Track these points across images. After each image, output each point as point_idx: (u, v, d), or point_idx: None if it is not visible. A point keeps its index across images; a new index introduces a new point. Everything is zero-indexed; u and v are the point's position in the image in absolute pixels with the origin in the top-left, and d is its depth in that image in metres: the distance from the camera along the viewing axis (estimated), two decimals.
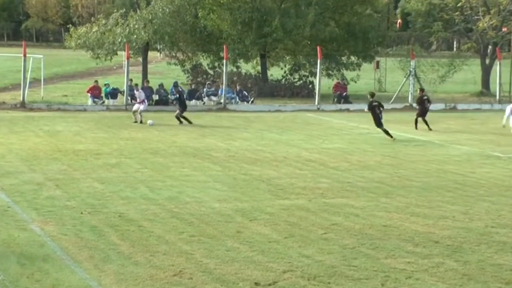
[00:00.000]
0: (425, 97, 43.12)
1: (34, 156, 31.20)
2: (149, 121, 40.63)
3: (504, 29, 65.31)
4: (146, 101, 43.06)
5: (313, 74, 58.45)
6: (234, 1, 60.03)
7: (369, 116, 38.45)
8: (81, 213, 21.91)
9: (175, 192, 24.69)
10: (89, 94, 52.30)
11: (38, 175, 27.47)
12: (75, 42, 61.07)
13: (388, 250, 19.09)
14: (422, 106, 42.87)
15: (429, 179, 28.36)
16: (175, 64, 63.05)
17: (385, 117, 43.16)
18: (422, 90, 44.45)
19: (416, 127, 42.26)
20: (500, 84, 55.96)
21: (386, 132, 37.69)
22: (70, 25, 69.61)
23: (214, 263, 17.69)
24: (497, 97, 56.13)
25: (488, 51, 66.27)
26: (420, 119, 42.43)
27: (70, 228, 20.44)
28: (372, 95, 38.60)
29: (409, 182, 27.75)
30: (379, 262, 18.11)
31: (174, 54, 62.83)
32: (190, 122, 41.53)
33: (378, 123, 37.95)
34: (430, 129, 41.65)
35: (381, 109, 37.90)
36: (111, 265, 17.48)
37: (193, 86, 57.82)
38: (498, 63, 56.89)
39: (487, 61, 65.74)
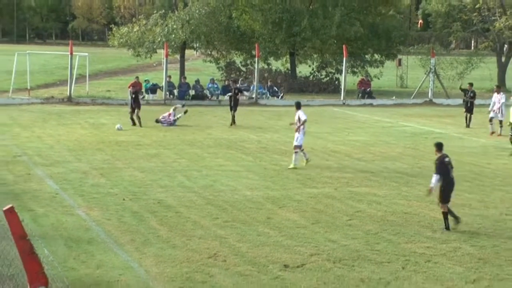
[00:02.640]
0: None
1: (80, 146, 31.40)
2: (117, 126, 36.59)
3: None
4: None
5: (339, 71, 58.37)
6: (266, 2, 60.00)
7: (392, 110, 38.12)
8: (123, 199, 22.05)
9: (210, 181, 24.79)
10: (130, 90, 52.43)
11: (84, 164, 27.65)
12: (117, 41, 61.35)
13: (408, 235, 19.09)
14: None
15: None
16: (210, 61, 63.14)
17: (406, 111, 42.92)
18: (471, 84, 41.82)
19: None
20: None
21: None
22: (113, 25, 70.03)
23: (246, 247, 17.77)
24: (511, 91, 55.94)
25: (504, 49, 65.88)
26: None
27: (113, 214, 20.59)
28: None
29: (429, 173, 27.58)
30: (400, 246, 18.12)
31: (209, 52, 62.90)
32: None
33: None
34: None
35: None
36: (150, 248, 17.59)
37: (227, 82, 57.87)
38: None
39: (503, 59, 65.39)
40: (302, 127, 27.91)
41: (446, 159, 20.03)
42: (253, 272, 16.06)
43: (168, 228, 19.20)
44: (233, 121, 39.12)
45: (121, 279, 15.46)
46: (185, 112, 39.17)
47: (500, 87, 38.66)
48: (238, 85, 45.02)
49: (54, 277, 8.52)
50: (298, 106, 28.08)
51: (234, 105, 39.23)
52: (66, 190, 23.36)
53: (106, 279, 15.45)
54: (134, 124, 37.63)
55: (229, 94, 41.08)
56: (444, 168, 19.84)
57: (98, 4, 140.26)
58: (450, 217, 19.46)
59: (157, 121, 38.43)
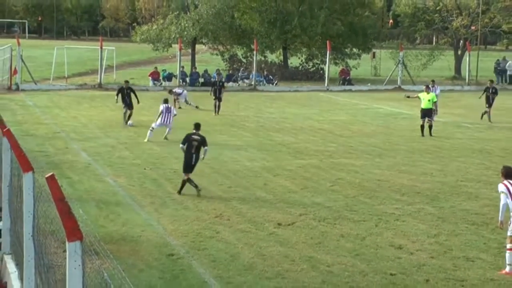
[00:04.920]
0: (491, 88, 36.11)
1: (108, 125, 31.41)
2: (129, 122, 31.77)
3: (473, 28, 64.74)
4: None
5: (324, 62, 58.07)
6: (263, 5, 59.93)
7: (367, 94, 37.86)
8: (144, 169, 22.10)
9: (216, 153, 24.81)
10: (150, 78, 52.36)
11: (112, 140, 27.68)
12: (139, 37, 61.20)
13: (380, 198, 19.15)
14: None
15: (413, 144, 28.30)
16: (217, 54, 62.91)
17: (379, 95, 42.87)
18: (491, 81, 38.99)
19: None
20: (469, 70, 55.62)
21: None
22: (136, 24, 69.66)
23: (246, 208, 17.84)
24: (467, 80, 55.79)
25: (460, 44, 65.67)
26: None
27: (136, 181, 20.64)
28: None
29: (398, 146, 27.70)
30: (373, 208, 18.19)
31: (215, 47, 62.60)
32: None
33: None
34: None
35: None
36: (167, 209, 17.67)
37: (230, 72, 57.78)
38: (467, 54, 56.53)
39: (459, 52, 65.23)
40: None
41: None
42: (252, 229, 16.12)
43: (182, 193, 19.22)
44: (218, 110, 36.02)
45: (143, 235, 15.52)
46: (196, 107, 38.12)
47: (434, 81, 37.09)
48: (222, 78, 42.51)
49: (88, 233, 8.55)
50: None
51: (219, 95, 36.28)
52: (97, 161, 23.40)
53: (131, 235, 15.51)
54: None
55: (214, 86, 37.00)
56: None
57: (123, 6, 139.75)
58: (189, 185, 19.15)
59: (170, 92, 36.76)
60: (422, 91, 32.16)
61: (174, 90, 38.58)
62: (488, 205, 18.23)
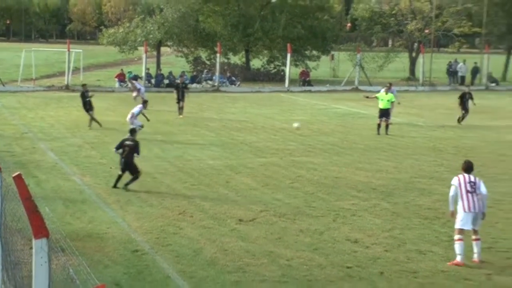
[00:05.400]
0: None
1: (75, 125, 31.18)
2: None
3: (426, 31, 65.34)
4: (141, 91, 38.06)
5: (284, 64, 58.15)
6: (226, 9, 59.95)
7: (326, 95, 37.95)
8: (110, 168, 21.97)
9: (180, 152, 24.81)
10: (116, 79, 52.11)
11: (78, 139, 27.49)
12: (106, 40, 60.73)
13: (338, 194, 19.27)
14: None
15: (369, 142, 28.50)
16: (181, 56, 62.72)
17: (337, 96, 43.00)
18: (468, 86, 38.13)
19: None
20: (423, 71, 56.18)
21: None
22: (103, 27, 69.14)
23: (209, 205, 17.83)
24: (421, 81, 56.30)
25: (414, 47, 66.26)
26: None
27: (102, 179, 20.53)
28: None
29: (355, 145, 27.88)
30: (331, 203, 18.30)
31: (180, 49, 62.38)
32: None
33: None
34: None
35: None
36: (132, 206, 17.60)
37: (194, 73, 57.64)
38: (421, 56, 57.13)
39: (413, 54, 65.82)
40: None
41: None
42: (214, 225, 16.13)
43: (146, 190, 19.18)
44: (181, 111, 35.25)
45: (108, 232, 15.45)
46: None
47: (391, 83, 36.85)
48: (185, 80, 41.93)
49: (54, 230, 8.50)
50: None
51: (182, 97, 35.42)
52: (64, 161, 23.22)
53: (96, 232, 15.44)
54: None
55: (177, 88, 35.96)
56: None
57: (90, 10, 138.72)
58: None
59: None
60: (379, 91, 32.42)
61: (134, 82, 38.59)
62: (440, 200, 18.43)
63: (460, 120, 34.70)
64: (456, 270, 13.41)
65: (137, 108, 28.58)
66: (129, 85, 36.55)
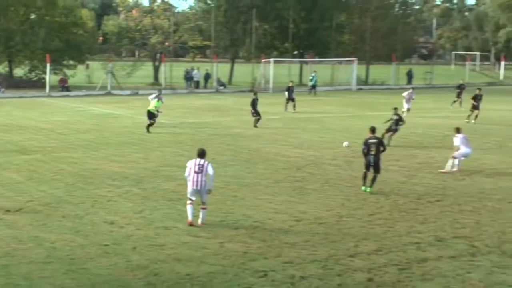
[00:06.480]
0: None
1: None
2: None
3: (167, 43, 66.37)
4: None
5: (45, 73, 55.79)
6: None
7: (83, 99, 37.05)
8: None
9: None
10: None
11: None
12: None
13: (95, 184, 18.99)
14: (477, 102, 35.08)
15: (122, 138, 28.32)
16: None
17: (91, 99, 42.12)
18: (479, 89, 36.45)
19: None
20: (165, 77, 57.10)
21: None
22: None
23: None
24: (163, 86, 56.87)
25: (157, 57, 66.84)
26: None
27: None
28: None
29: (109, 140, 27.55)
30: (90, 192, 18.00)
31: None
32: None
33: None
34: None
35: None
36: None
37: None
38: (163, 64, 58.04)
39: (156, 63, 66.43)
40: None
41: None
42: None
43: None
44: None
45: None
46: None
47: (161, 90, 36.87)
48: None
49: None
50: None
51: None
52: None
53: None
54: None
55: None
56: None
57: None
58: None
59: None
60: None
61: None
62: (182, 184, 18.57)
63: (475, 118, 34.20)
64: (196, 241, 13.76)
65: None
66: None
